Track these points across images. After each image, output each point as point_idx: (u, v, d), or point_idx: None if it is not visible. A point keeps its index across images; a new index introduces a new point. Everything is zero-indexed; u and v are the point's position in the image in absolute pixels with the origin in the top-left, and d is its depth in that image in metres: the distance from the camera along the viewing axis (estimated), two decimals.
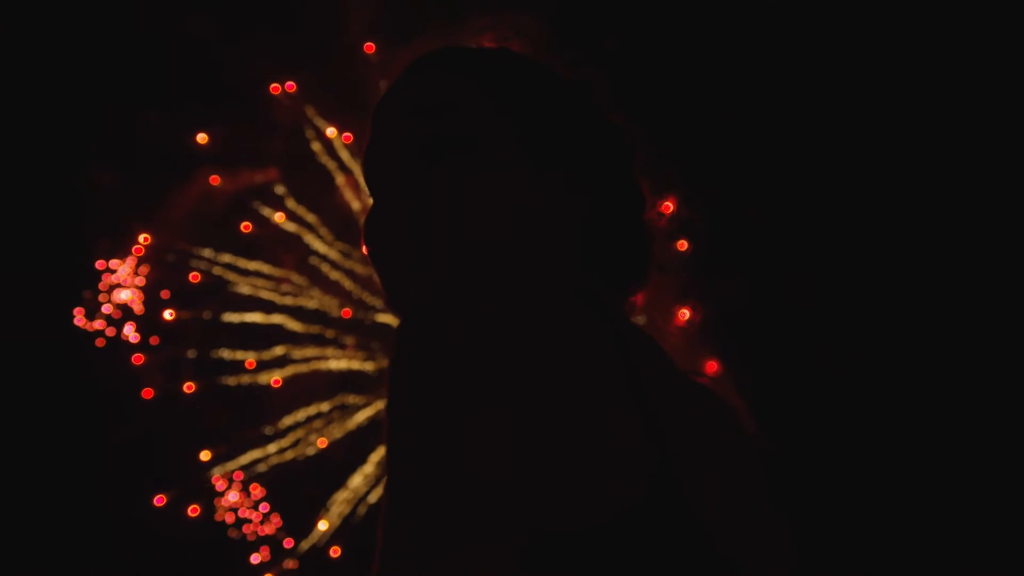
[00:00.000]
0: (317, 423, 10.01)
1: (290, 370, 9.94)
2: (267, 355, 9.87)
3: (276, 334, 9.92)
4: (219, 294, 9.73)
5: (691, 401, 1.09)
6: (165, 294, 9.63)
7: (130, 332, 9.32)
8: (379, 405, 10.24)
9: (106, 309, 9.24)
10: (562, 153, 1.18)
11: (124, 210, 9.30)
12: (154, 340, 9.38)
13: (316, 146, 9.69)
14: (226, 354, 9.71)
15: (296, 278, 9.90)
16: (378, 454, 10.03)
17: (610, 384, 0.93)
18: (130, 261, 9.38)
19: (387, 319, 9.94)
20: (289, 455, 9.84)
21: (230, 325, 9.80)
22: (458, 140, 1.13)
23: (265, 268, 9.93)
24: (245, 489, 9.59)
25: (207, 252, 9.72)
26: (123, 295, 9.23)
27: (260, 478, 9.67)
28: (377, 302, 9.77)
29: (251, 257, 9.88)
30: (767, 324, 8.24)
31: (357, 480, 10.04)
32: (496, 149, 1.14)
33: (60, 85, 9.05)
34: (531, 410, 0.87)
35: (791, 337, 8.34)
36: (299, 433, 9.92)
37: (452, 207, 1.11)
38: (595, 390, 0.92)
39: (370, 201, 1.22)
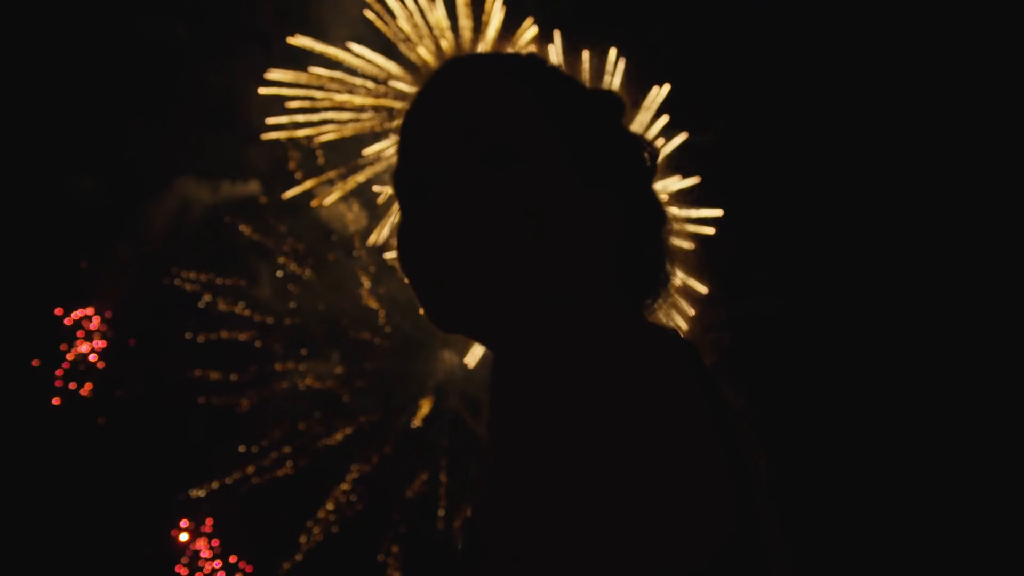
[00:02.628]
0: (295, 442, 9.72)
1: (266, 389, 9.63)
2: (244, 374, 9.55)
3: (251, 352, 9.62)
4: (194, 311, 9.40)
5: (746, 434, 1.05)
6: (132, 341, 9.18)
7: (88, 391, 8.84)
8: (359, 421, 10.01)
9: (67, 361, 8.72)
10: (603, 166, 1.13)
11: (90, 248, 8.93)
12: (117, 392, 8.98)
13: (293, 164, 9.34)
14: (200, 373, 9.37)
15: (269, 293, 9.59)
16: (352, 474, 9.81)
17: (704, 423, 0.91)
18: (90, 309, 8.95)
19: (365, 335, 9.68)
20: (265, 476, 9.54)
21: (205, 344, 9.47)
22: (508, 150, 1.06)
23: (242, 283, 9.62)
24: (217, 535, 9.19)
25: (181, 268, 9.39)
26: (83, 348, 8.79)
27: (233, 508, 9.31)
28: (344, 319, 9.51)
29: (227, 272, 9.54)
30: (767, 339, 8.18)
31: (335, 496, 9.80)
32: (546, 161, 1.07)
33: (36, 97, 8.73)
34: (639, 456, 0.86)
35: (787, 351, 8.26)
36: (275, 453, 9.62)
37: (504, 221, 1.03)
38: (693, 431, 0.90)
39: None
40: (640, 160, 1.20)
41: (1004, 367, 7.88)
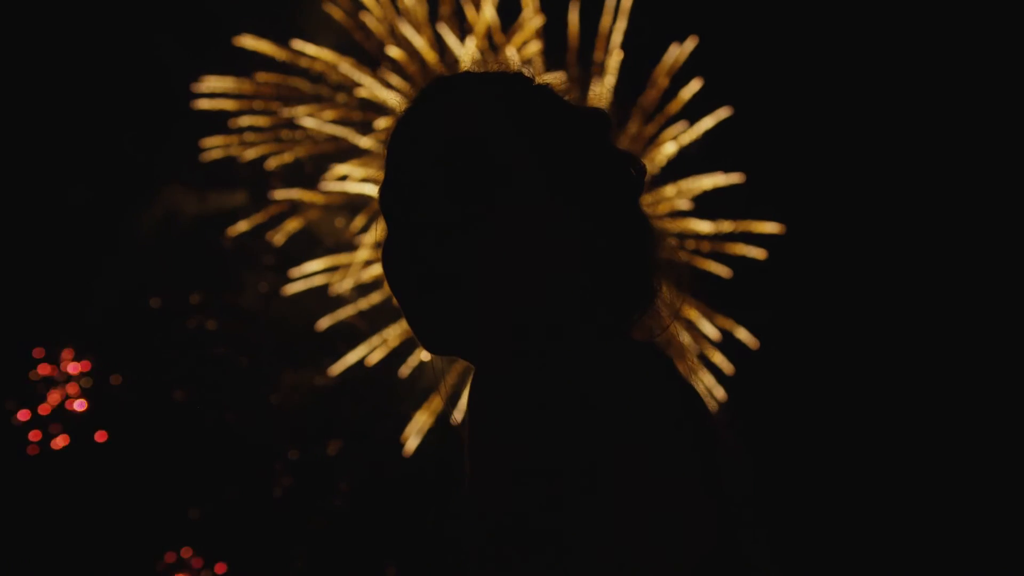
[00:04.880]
0: (284, 458, 9.56)
1: (253, 405, 9.45)
2: (230, 391, 9.37)
3: (238, 368, 9.45)
4: (180, 330, 9.23)
5: (728, 443, 1.05)
6: (115, 379, 8.90)
7: (61, 441, 8.52)
8: (348, 432, 9.85)
9: (43, 410, 8.36)
10: (582, 185, 1.14)
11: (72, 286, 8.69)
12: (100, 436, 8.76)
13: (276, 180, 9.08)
14: (186, 394, 9.19)
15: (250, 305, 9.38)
16: (342, 486, 9.65)
17: (678, 436, 0.92)
18: (67, 354, 8.55)
19: (340, 343, 9.44)
20: (255, 493, 9.38)
21: (190, 362, 9.30)
22: (487, 171, 1.08)
23: (227, 297, 9.42)
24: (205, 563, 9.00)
25: (164, 285, 9.20)
26: (61, 397, 8.47)
27: (222, 527, 9.14)
28: (330, 329, 9.27)
29: (212, 286, 9.36)
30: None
31: (326, 509, 9.67)
32: (524, 181, 1.09)
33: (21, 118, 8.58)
34: (621, 469, 0.87)
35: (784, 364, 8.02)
36: (265, 470, 9.47)
37: (485, 241, 1.05)
38: (672, 445, 0.91)
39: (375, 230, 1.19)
40: (624, 177, 1.19)
41: (999, 372, 7.71)
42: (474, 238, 1.05)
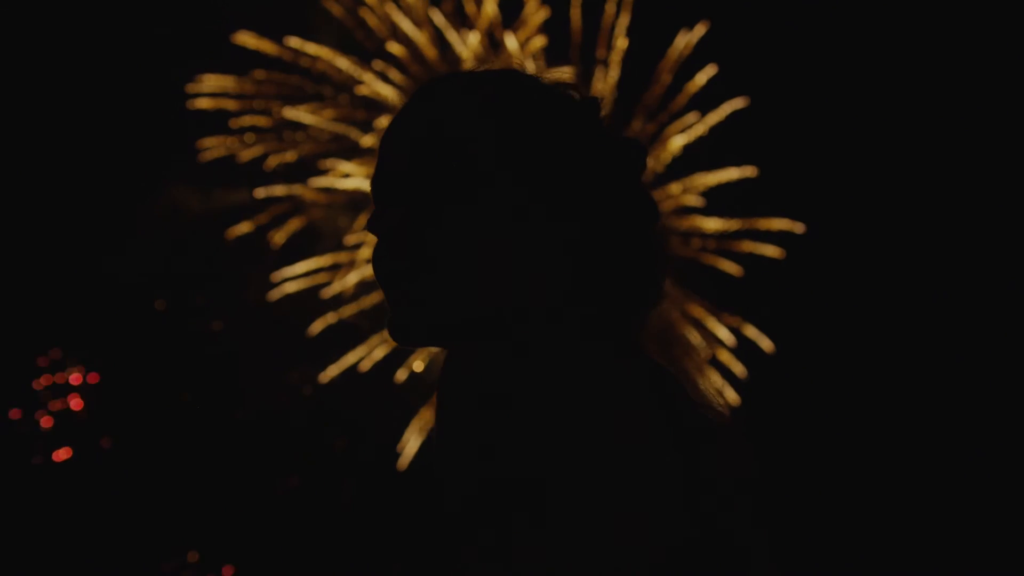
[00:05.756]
0: (291, 457, 9.53)
1: (260, 405, 9.40)
2: (236, 391, 9.33)
3: (242, 366, 9.40)
4: (183, 328, 9.19)
5: (714, 440, 1.05)
6: (118, 382, 8.85)
7: (63, 453, 8.47)
8: (353, 430, 9.80)
9: (46, 417, 8.31)
10: (564, 180, 1.13)
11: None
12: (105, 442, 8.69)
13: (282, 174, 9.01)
14: (191, 395, 9.15)
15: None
16: (349, 484, 9.61)
17: (653, 430, 0.93)
18: (71, 361, 8.47)
19: (342, 341, 9.39)
20: (262, 494, 9.35)
21: (193, 362, 9.25)
22: (470, 172, 1.09)
23: (230, 295, 9.37)
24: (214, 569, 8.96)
25: (166, 286, 9.15)
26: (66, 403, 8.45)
27: (228, 529, 9.10)
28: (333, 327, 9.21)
29: (213, 283, 9.31)
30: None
31: (334, 508, 9.63)
32: (497, 178, 1.10)
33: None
34: (584, 463, 0.88)
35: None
36: (273, 469, 9.44)
37: (466, 242, 1.07)
38: (640, 437, 0.91)
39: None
40: (617, 166, 1.16)
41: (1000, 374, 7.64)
42: (438, 233, 1.07)
